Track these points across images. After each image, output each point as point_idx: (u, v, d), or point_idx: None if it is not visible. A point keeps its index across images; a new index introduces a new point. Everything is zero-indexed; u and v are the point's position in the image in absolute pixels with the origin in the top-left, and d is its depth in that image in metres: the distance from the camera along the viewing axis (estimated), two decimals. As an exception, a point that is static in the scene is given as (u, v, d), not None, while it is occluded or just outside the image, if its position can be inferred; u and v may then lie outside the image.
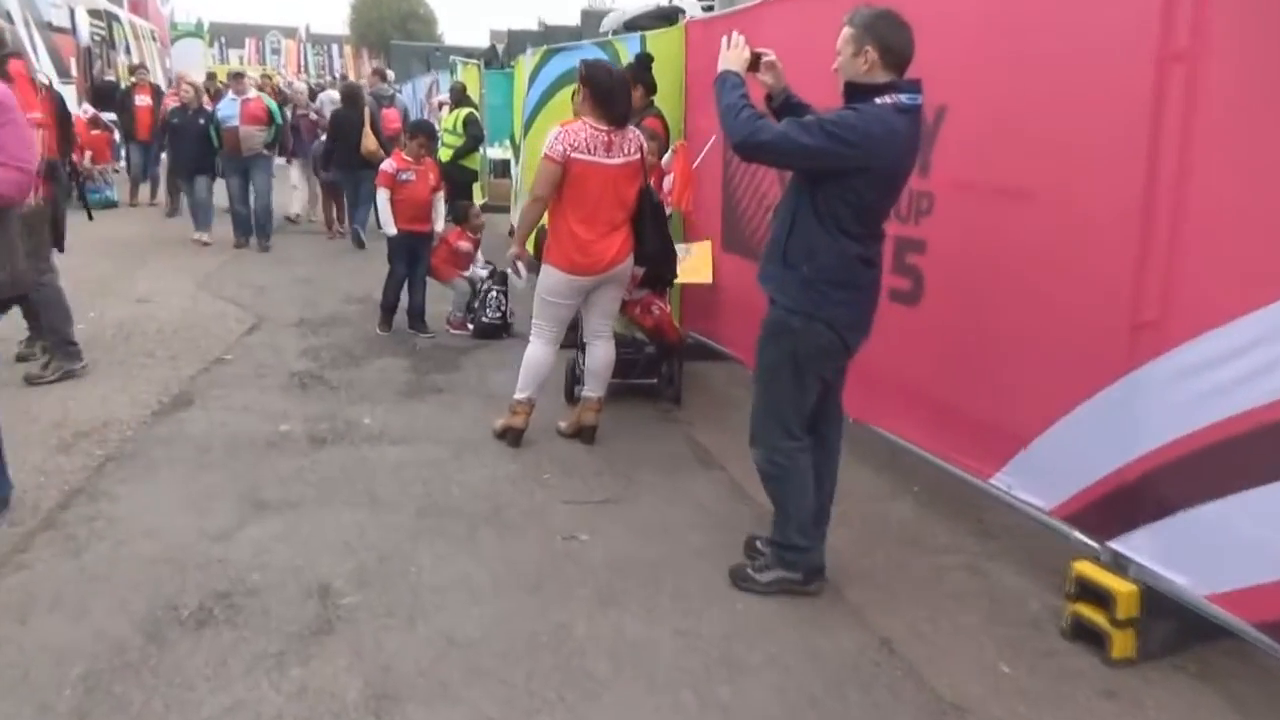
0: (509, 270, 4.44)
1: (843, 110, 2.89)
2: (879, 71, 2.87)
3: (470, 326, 6.69)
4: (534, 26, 23.81)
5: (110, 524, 3.51)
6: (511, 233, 10.80)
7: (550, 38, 18.14)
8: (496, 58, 18.22)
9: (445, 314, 6.84)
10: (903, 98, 2.87)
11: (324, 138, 11.22)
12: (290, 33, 58.37)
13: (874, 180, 2.91)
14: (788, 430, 3.07)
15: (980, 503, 3.81)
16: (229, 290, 7.81)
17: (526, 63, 9.15)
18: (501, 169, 12.65)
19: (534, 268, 4.50)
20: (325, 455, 4.29)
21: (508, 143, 12.53)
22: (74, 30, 16.36)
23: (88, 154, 11.75)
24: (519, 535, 3.57)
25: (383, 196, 6.40)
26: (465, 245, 6.94)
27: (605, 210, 4.19)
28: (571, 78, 8.19)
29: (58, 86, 6.65)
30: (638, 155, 4.25)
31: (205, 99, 10.62)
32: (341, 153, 9.72)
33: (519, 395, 4.47)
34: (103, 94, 14.77)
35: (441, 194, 6.77)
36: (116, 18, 19.89)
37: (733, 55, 3.11)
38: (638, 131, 4.29)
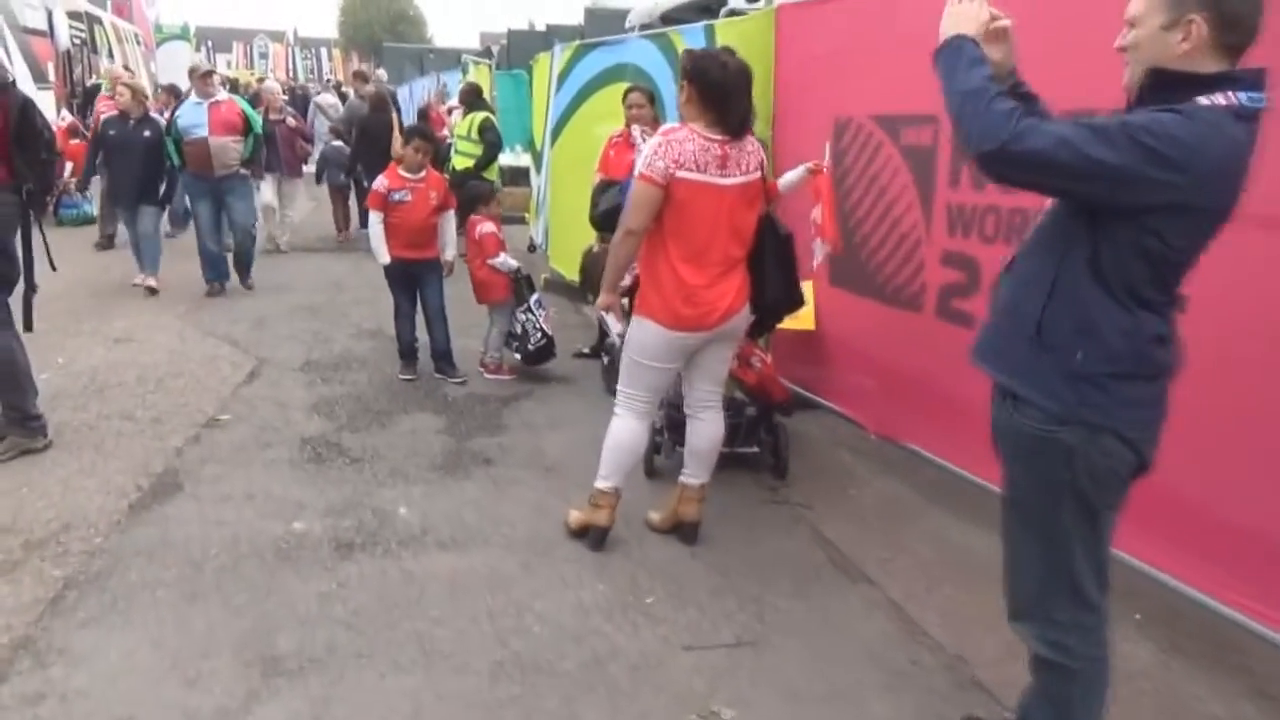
0: (604, 321, 3.42)
1: (1157, 113, 1.88)
2: (1209, 55, 1.87)
3: (508, 370, 5.68)
4: (526, 28, 22.68)
5: (64, 706, 2.49)
6: (532, 248, 9.88)
7: (552, 39, 17.20)
8: (491, 59, 17.21)
9: (478, 353, 5.83)
10: (1243, 97, 1.87)
11: (333, 143, 10.52)
12: (278, 36, 57.05)
13: (1193, 222, 1.91)
14: (1078, 595, 2.05)
15: (1241, 644, 2.83)
16: (221, 325, 6.76)
17: (554, 61, 8.16)
18: (511, 176, 11.66)
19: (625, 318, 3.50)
20: (355, 570, 3.27)
21: (518, 149, 11.53)
22: (52, 33, 15.25)
23: (69, 165, 10.62)
24: (639, 713, 2.57)
25: (374, 221, 5.39)
26: (488, 227, 5.62)
27: (719, 245, 3.20)
28: (612, 77, 7.27)
29: (32, 93, 5.65)
30: (758, 173, 3.25)
31: (152, 103, 8.72)
32: (370, 157, 9.41)
33: (602, 484, 3.46)
34: (90, 100, 13.67)
35: (451, 213, 5.69)
36: (98, 20, 18.78)
37: (968, 11, 2.10)
38: (758, 143, 3.29)
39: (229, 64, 48.05)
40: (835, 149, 4.25)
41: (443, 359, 5.62)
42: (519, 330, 5.57)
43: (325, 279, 8.61)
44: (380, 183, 5.38)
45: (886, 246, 4.02)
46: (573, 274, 7.72)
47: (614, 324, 3.37)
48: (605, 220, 5.40)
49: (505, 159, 11.41)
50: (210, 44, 51.05)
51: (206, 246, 7.67)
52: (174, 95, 9.76)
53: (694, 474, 3.57)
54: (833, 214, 3.76)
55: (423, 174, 5.41)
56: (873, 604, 3.20)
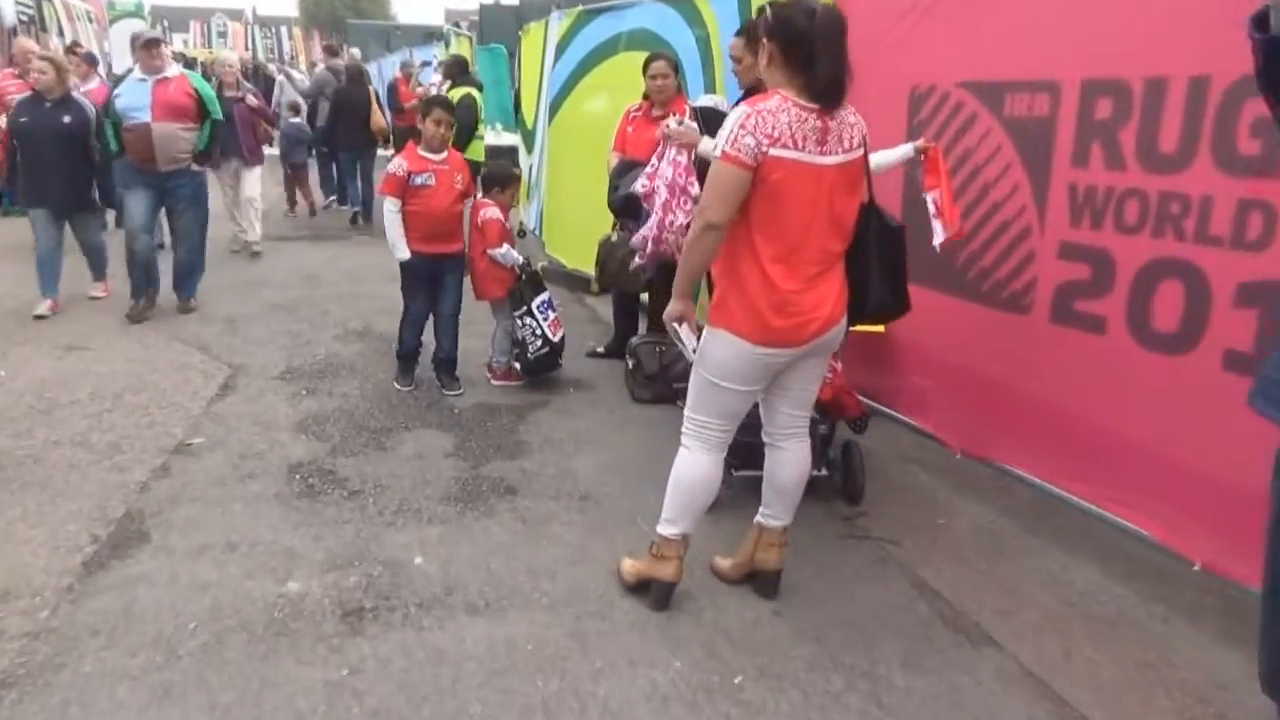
0: (676, 334, 2.78)
1: None
2: None
3: (515, 376, 5.04)
4: (492, 1, 21.67)
5: None
6: (522, 233, 9.17)
7: (526, 12, 16.37)
8: (469, 32, 16.42)
9: (480, 356, 5.19)
10: None
11: (291, 119, 10.12)
12: (236, 15, 55.23)
13: None
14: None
15: None
16: (188, 328, 6.02)
17: (549, 30, 7.47)
18: (492, 156, 10.90)
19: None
20: (369, 649, 2.64)
21: (498, 127, 10.77)
22: (-5, 11, 14.23)
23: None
24: None
25: (390, 210, 4.65)
26: (492, 213, 4.91)
27: (815, 240, 2.58)
28: (622, 45, 6.52)
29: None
30: (862, 149, 2.64)
31: (77, 81, 7.10)
32: (347, 131, 9.64)
33: (668, 530, 2.85)
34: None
35: (472, 201, 5.06)
36: (47, -5, 17.65)
37: None
38: (857, 115, 2.66)
39: (185, 43, 46.43)
40: (911, 124, 3.64)
41: (446, 368, 4.97)
42: (518, 336, 4.92)
43: (299, 272, 7.87)
44: (398, 165, 4.62)
45: (981, 237, 3.43)
46: (576, 263, 7.09)
47: (687, 338, 2.73)
48: (627, 206, 4.77)
49: (489, 139, 10.69)
50: (166, 22, 49.31)
51: (137, 251, 6.06)
52: (91, 64, 8.37)
53: (775, 514, 2.96)
54: (951, 194, 3.14)
55: (444, 153, 4.72)
56: (1007, 677, 2.62)
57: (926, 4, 3.54)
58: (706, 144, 4.03)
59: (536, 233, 8.75)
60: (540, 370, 4.97)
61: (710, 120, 4.22)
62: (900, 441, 4.15)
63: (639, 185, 3.90)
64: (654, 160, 4.05)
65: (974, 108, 3.38)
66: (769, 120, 2.44)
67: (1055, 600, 3.03)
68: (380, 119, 9.86)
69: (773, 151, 2.44)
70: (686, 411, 2.83)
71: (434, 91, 10.52)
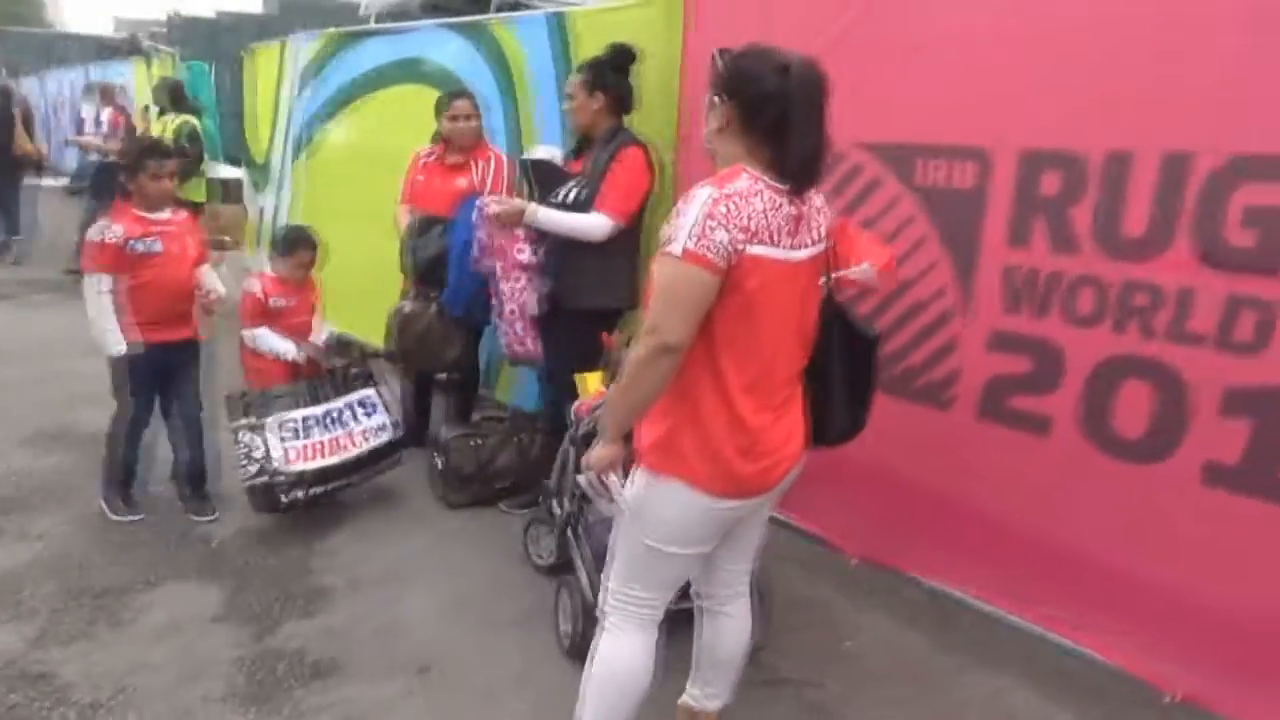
0: (589, 487, 2.03)
1: None
2: None
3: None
4: (166, 16, 19.17)
5: None
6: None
7: (235, 30, 14.56)
8: (139, 50, 14.28)
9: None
10: None
11: None
12: None
13: None
14: None
15: None
16: None
17: (295, 53, 6.35)
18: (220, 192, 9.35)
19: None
20: None
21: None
22: None
23: None
24: None
25: (94, 288, 3.43)
26: (251, 284, 3.87)
27: (784, 357, 1.98)
28: (398, 76, 5.54)
29: None
30: (826, 240, 2.06)
31: None
32: None
33: (590, 747, 2.09)
34: None
35: (320, 317, 4.06)
36: None
37: None
38: (821, 194, 2.08)
39: None
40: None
41: (192, 485, 3.81)
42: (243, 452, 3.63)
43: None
44: (108, 231, 3.41)
45: (889, 316, 3.00)
46: (361, 332, 5.99)
47: (615, 490, 2.00)
48: (430, 270, 3.97)
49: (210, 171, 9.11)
50: None
51: None
52: None
53: (714, 691, 2.32)
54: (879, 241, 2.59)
55: (169, 211, 3.58)
56: None
57: (818, 51, 3.07)
58: (533, 210, 3.39)
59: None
60: (269, 506, 3.62)
61: (548, 176, 3.53)
62: (788, 547, 3.64)
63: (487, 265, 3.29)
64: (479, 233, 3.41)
65: (876, 172, 2.96)
66: (742, 208, 1.80)
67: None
68: (26, 142, 8.83)
69: (750, 249, 1.81)
70: (611, 583, 2.10)
71: (96, 129, 9.05)
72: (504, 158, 4.18)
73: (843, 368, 2.12)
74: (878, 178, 2.96)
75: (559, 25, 4.13)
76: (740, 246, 1.80)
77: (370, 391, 3.92)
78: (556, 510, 3.25)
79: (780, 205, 1.86)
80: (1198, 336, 2.31)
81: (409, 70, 5.07)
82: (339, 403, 3.81)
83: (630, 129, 3.51)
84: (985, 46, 2.63)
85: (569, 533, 3.05)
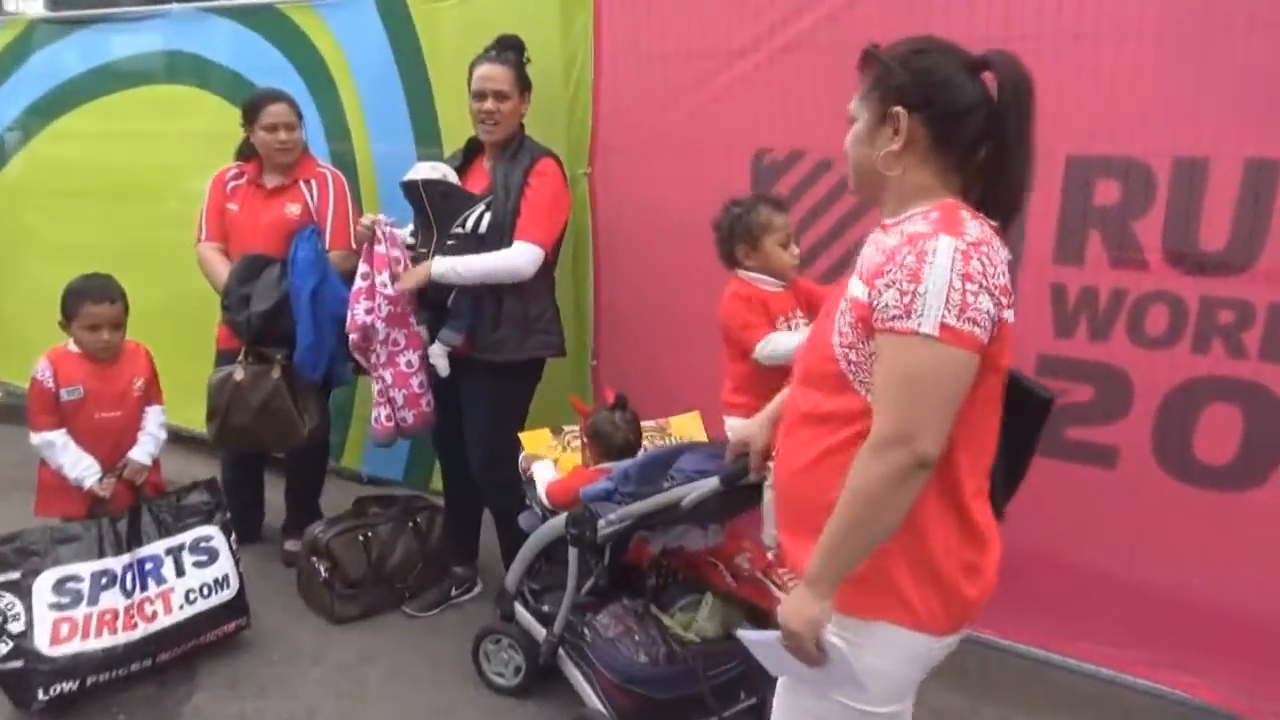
0: (778, 661, 1.44)
1: None
2: None
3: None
4: None
5: None
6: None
7: None
8: None
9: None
10: None
11: None
12: None
13: None
14: None
15: None
16: None
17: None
18: None
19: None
20: None
21: None
22: None
23: None
24: None
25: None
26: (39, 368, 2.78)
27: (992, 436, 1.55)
28: (148, 74, 4.07)
29: None
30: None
31: None
32: None
33: None
34: None
35: (160, 409, 2.98)
36: None
37: None
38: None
39: None
40: (756, 187, 2.74)
41: None
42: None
43: None
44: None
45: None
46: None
47: (840, 650, 1.42)
48: (267, 325, 3.09)
49: None
50: None
51: None
52: None
53: None
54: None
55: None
56: None
57: (782, 44, 2.62)
58: (442, 264, 2.70)
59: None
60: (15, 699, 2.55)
61: (445, 201, 2.79)
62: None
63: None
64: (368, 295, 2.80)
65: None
66: (995, 261, 1.34)
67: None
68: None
69: (1007, 315, 1.35)
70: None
71: None
72: (340, 176, 3.34)
73: (1007, 438, 1.71)
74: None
75: (392, 7, 3.32)
76: (1003, 315, 1.34)
77: (211, 530, 2.88)
78: (525, 615, 2.62)
79: (1000, 250, 1.41)
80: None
81: (168, 67, 3.96)
82: (157, 547, 2.76)
83: (530, 137, 2.87)
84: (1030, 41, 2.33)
85: (567, 651, 2.45)
